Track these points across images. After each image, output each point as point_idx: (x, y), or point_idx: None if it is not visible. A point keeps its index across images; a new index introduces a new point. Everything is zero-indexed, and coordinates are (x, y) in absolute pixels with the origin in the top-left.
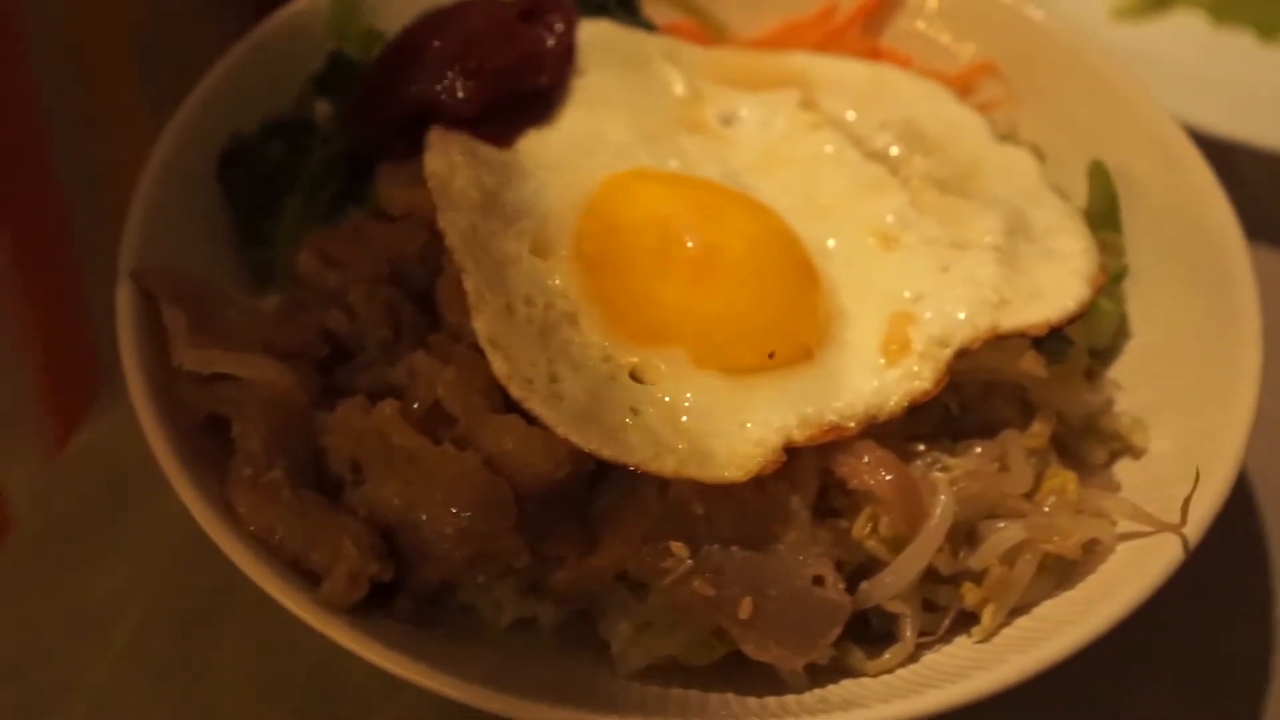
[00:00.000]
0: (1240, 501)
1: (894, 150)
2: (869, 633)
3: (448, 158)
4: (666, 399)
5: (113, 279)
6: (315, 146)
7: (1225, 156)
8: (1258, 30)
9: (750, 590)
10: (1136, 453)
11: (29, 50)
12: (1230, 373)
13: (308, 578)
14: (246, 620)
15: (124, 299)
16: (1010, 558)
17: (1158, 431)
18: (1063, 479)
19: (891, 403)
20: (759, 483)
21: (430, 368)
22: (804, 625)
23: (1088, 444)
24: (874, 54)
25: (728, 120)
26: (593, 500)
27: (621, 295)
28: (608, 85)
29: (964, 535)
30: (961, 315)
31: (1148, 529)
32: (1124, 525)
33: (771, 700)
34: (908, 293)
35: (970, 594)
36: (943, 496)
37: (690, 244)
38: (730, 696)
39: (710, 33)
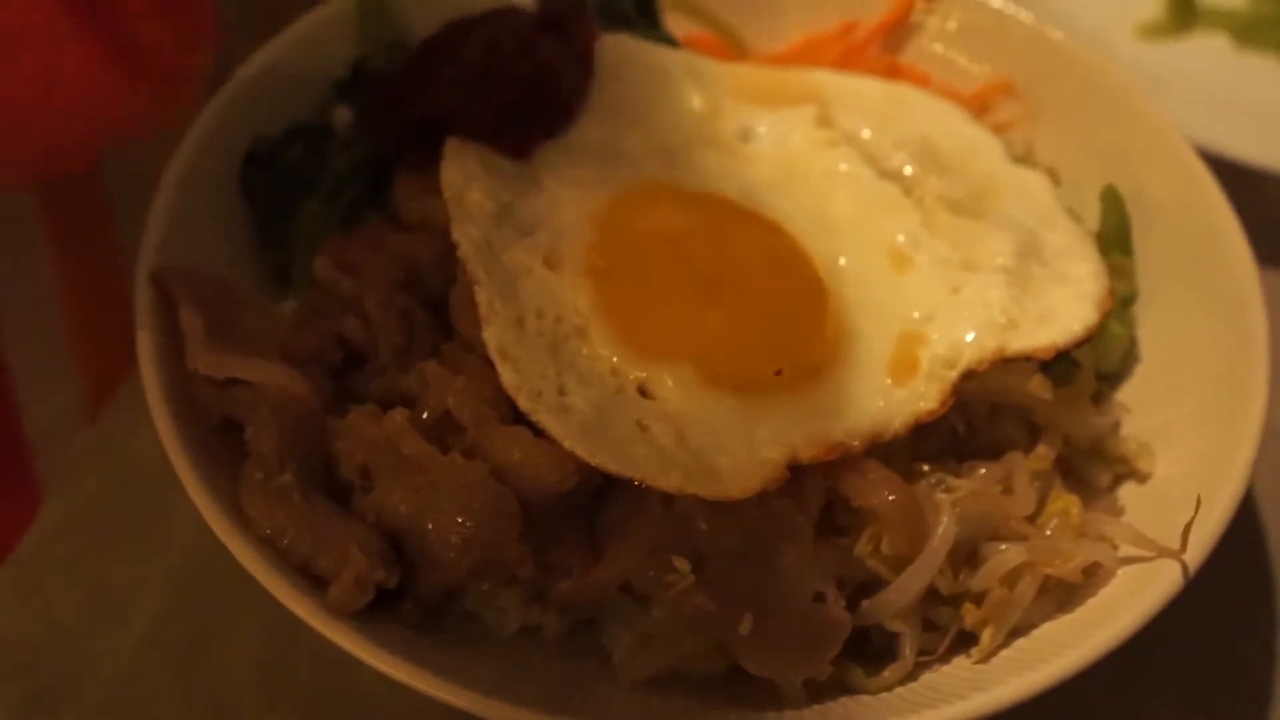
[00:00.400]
0: (1249, 522)
1: (908, 170)
2: (869, 650)
3: (464, 168)
4: (673, 414)
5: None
6: (336, 152)
7: (1246, 180)
8: None
9: (752, 605)
10: (1141, 477)
11: None
12: (1238, 400)
13: (315, 581)
14: (259, 616)
15: (143, 299)
16: (1011, 580)
17: (1163, 456)
18: (1066, 502)
19: (897, 423)
20: (763, 499)
21: (441, 377)
22: (804, 641)
23: (1093, 467)
24: (893, 72)
25: (745, 136)
26: (599, 512)
27: (631, 310)
28: (626, 98)
29: (966, 556)
30: (970, 337)
31: (1149, 554)
32: (1125, 549)
33: (771, 715)
34: (917, 313)
35: (970, 614)
36: (945, 517)
37: (700, 261)
38: (729, 710)
39: (731, 47)
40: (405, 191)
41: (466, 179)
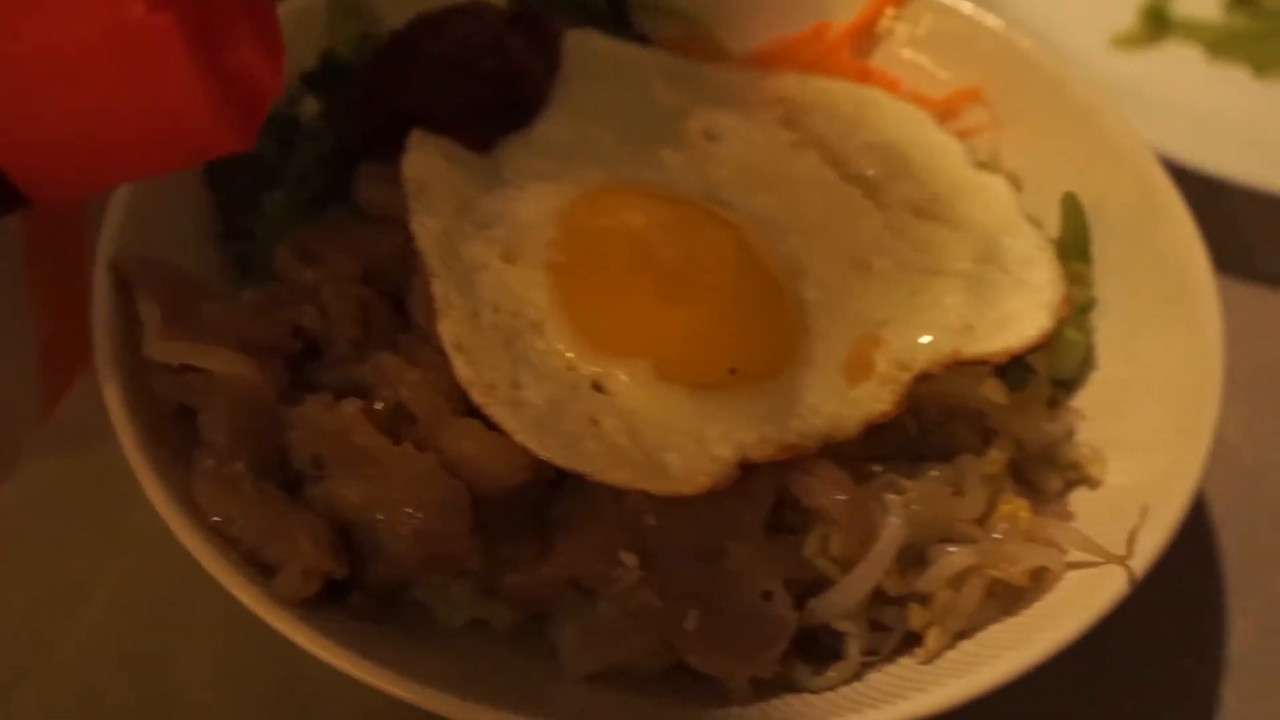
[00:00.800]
0: (1198, 532)
1: (872, 173)
2: (816, 650)
3: (427, 160)
4: (626, 410)
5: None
6: (302, 143)
7: (1211, 190)
8: (1253, 67)
9: (698, 602)
10: (1093, 483)
11: None
12: (1191, 409)
13: (265, 570)
14: (213, 606)
15: (100, 288)
16: (958, 582)
17: (1115, 463)
18: (1015, 506)
19: (850, 424)
20: (714, 496)
21: (396, 368)
22: (750, 639)
23: (1044, 472)
24: (863, 75)
25: (711, 136)
26: (550, 506)
27: (589, 306)
28: (592, 95)
29: (914, 558)
30: (925, 340)
31: (1096, 559)
32: (1073, 554)
33: (716, 712)
34: (876, 316)
35: (916, 616)
36: (893, 519)
37: (660, 259)
38: (675, 706)
39: (705, 46)
40: (367, 183)
41: (429, 171)
